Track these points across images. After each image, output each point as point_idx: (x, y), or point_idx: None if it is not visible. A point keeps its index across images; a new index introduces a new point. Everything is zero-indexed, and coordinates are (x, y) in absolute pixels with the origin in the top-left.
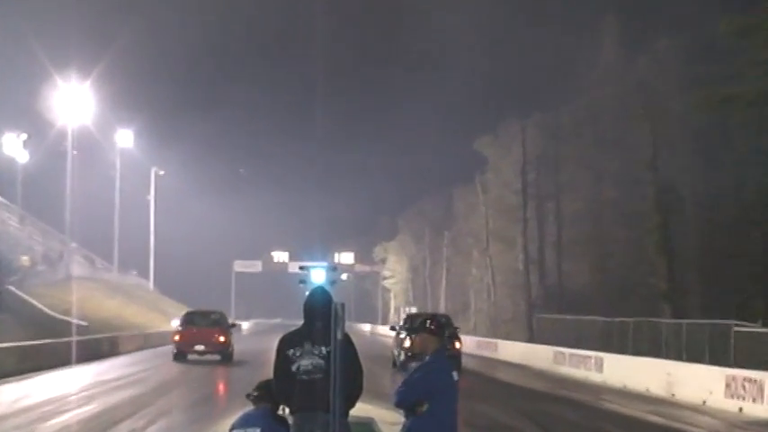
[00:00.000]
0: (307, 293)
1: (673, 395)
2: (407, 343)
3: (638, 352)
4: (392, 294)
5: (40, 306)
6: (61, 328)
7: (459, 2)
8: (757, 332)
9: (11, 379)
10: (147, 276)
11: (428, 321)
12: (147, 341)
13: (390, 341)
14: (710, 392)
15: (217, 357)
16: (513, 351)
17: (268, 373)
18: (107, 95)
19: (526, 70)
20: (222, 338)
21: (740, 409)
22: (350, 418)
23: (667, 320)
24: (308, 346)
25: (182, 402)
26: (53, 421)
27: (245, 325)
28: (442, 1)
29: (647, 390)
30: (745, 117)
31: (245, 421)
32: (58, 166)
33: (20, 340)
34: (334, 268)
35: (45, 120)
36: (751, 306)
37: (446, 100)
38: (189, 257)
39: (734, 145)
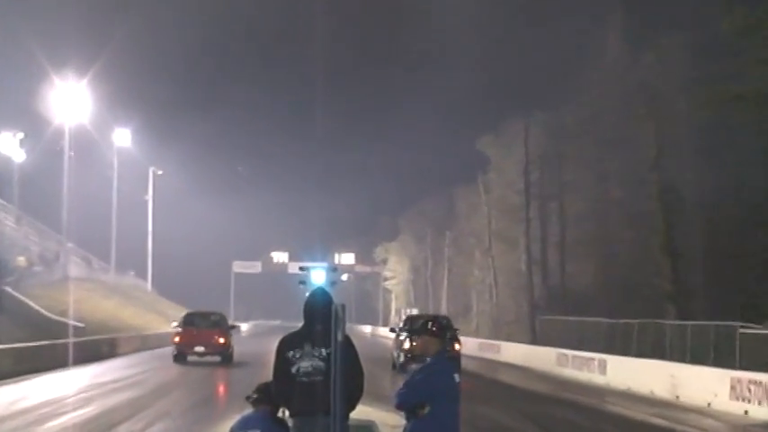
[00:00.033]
0: (307, 294)
1: (677, 397)
2: (407, 344)
3: (641, 354)
4: (393, 295)
5: (36, 307)
6: (58, 329)
7: (461, 0)
8: (763, 334)
9: (7, 381)
10: (144, 277)
11: (430, 323)
12: (144, 343)
13: (391, 343)
14: (715, 395)
15: (217, 359)
16: (516, 353)
17: (268, 374)
18: (104, 94)
19: (528, 69)
20: (222, 340)
21: (746, 412)
22: (350, 421)
23: (672, 322)
24: (308, 348)
25: (180, 405)
26: (50, 424)
27: (244, 326)
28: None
29: (652, 392)
30: (749, 116)
31: (244, 424)
32: (55, 165)
33: (16, 342)
34: (335, 269)
35: (42, 118)
36: (756, 307)
37: (448, 99)
38: (187, 258)
39: (738, 144)
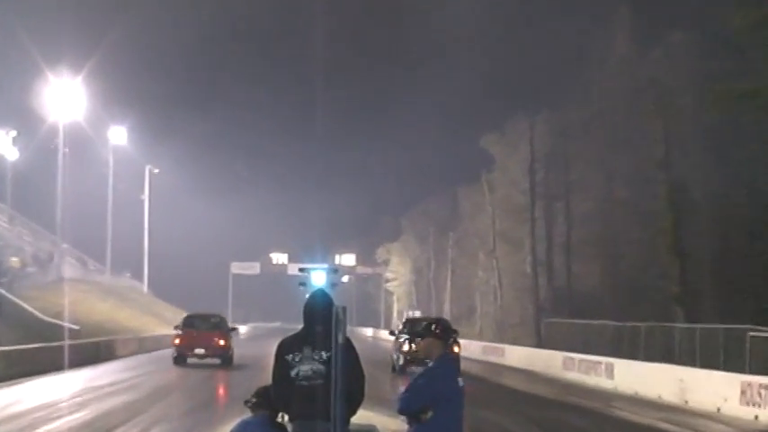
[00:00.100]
0: (307, 296)
1: (686, 402)
2: (406, 347)
3: (649, 357)
4: (395, 297)
5: (30, 309)
6: (52, 331)
7: None
8: None
9: (0, 385)
10: (140, 278)
11: (433, 325)
12: (141, 345)
13: (391, 345)
14: (725, 399)
15: (217, 361)
16: (521, 356)
17: (267, 378)
18: (100, 91)
19: (534, 66)
20: (222, 342)
21: (756, 417)
22: (351, 426)
23: (680, 325)
24: (307, 351)
25: (177, 409)
26: (44, 428)
27: (242, 329)
28: None
29: (660, 397)
30: (760, 114)
31: (242, 429)
32: (49, 163)
33: (9, 344)
34: (335, 270)
35: (35, 116)
36: (767, 310)
37: (451, 97)
38: (185, 259)
39: (748, 142)
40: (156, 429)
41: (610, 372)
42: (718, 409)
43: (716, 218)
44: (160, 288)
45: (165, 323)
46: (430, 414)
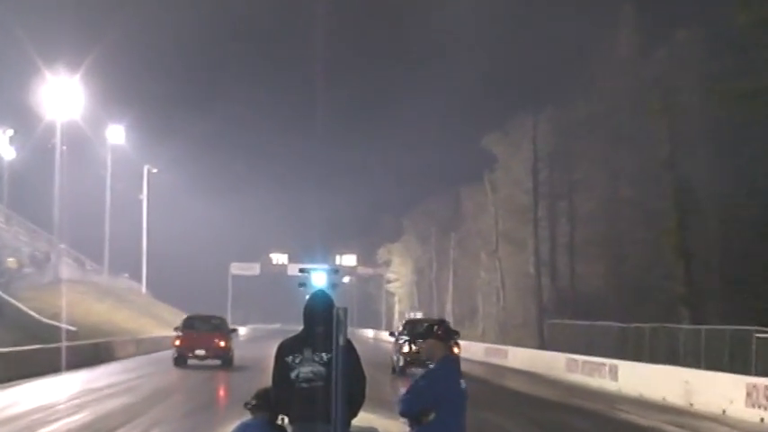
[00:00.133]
0: (307, 297)
1: (691, 404)
2: (406, 348)
3: (654, 359)
4: (396, 298)
5: (27, 310)
6: (49, 333)
7: None
8: None
9: None
10: (139, 279)
11: (435, 326)
12: (139, 347)
13: (391, 347)
14: (731, 402)
15: (217, 362)
16: (524, 358)
17: (267, 380)
18: (98, 89)
19: (537, 64)
20: (223, 343)
21: (762, 420)
22: (352, 428)
23: (685, 326)
24: (308, 353)
25: (176, 411)
26: (42, 431)
27: (242, 330)
28: None
29: (664, 399)
30: (765, 113)
31: None
32: (46, 163)
33: (6, 346)
34: (336, 271)
35: (32, 115)
36: None
37: (453, 96)
38: (183, 260)
39: (755, 142)
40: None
41: (614, 373)
42: (724, 412)
43: (722, 218)
44: (158, 289)
45: (163, 324)
46: (432, 416)
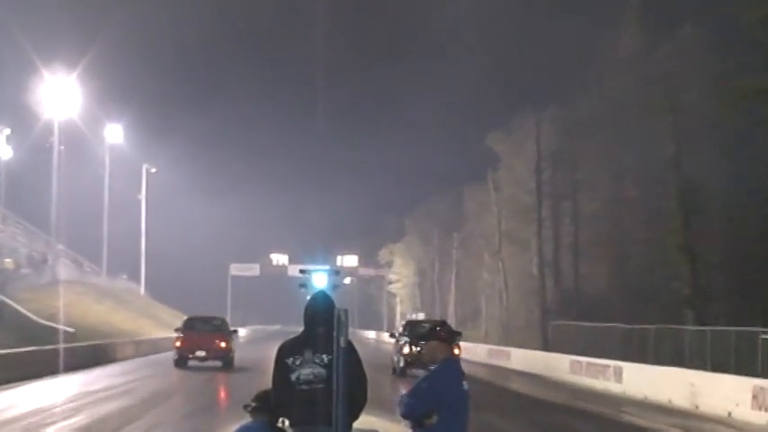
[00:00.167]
0: (307, 298)
1: (696, 407)
2: (406, 349)
3: (659, 361)
4: (398, 300)
5: (24, 311)
6: (47, 334)
7: None
8: None
9: None
10: (137, 280)
11: (438, 328)
12: (138, 349)
13: (392, 348)
14: (737, 404)
15: (218, 363)
16: (527, 360)
17: (267, 382)
18: (95, 88)
19: (540, 62)
20: (224, 344)
21: None
22: (353, 431)
23: (691, 327)
24: (308, 355)
25: (175, 414)
26: None
27: (241, 332)
28: None
29: (670, 401)
30: None
31: None
32: (44, 162)
33: (3, 347)
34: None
35: (29, 114)
36: None
37: (456, 93)
38: (182, 260)
39: (761, 141)
40: None
41: (618, 375)
42: (730, 414)
43: (727, 218)
44: (157, 290)
45: (162, 326)
46: (434, 418)
